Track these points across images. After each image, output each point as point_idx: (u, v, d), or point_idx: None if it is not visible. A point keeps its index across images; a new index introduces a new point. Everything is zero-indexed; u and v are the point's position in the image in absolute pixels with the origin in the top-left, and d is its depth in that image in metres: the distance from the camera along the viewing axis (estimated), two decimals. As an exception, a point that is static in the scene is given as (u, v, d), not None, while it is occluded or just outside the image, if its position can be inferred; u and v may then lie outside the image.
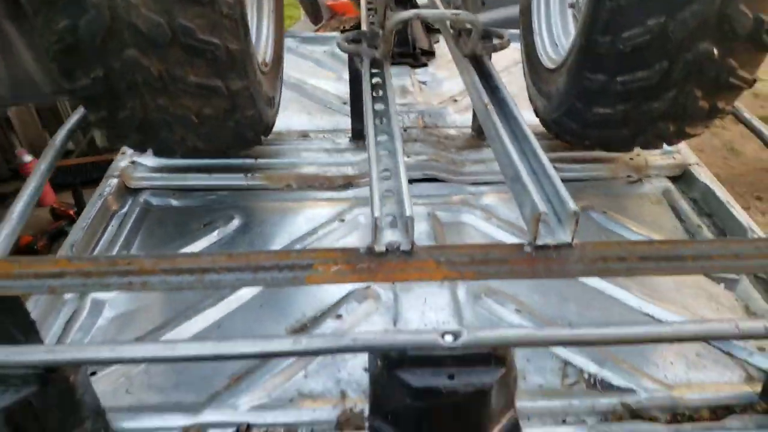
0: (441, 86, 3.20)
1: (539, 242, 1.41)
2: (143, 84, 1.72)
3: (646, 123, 1.99)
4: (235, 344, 1.23)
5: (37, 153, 5.56)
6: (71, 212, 5.51)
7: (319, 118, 2.90)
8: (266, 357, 1.59)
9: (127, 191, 2.37)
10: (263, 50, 2.38)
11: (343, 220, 2.20)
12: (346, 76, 3.32)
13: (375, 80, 2.16)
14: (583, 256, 1.42)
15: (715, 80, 1.84)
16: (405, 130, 2.69)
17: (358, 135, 2.62)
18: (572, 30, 2.43)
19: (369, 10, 2.86)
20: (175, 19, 1.61)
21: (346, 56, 3.57)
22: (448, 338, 1.23)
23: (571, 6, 2.34)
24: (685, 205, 2.36)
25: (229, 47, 1.73)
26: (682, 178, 2.50)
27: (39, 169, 1.77)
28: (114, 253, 2.06)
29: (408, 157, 2.48)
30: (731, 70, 1.82)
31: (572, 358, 1.70)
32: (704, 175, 2.42)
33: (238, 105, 1.90)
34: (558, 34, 2.49)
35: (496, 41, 2.27)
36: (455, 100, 3.04)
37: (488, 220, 2.22)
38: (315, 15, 5.97)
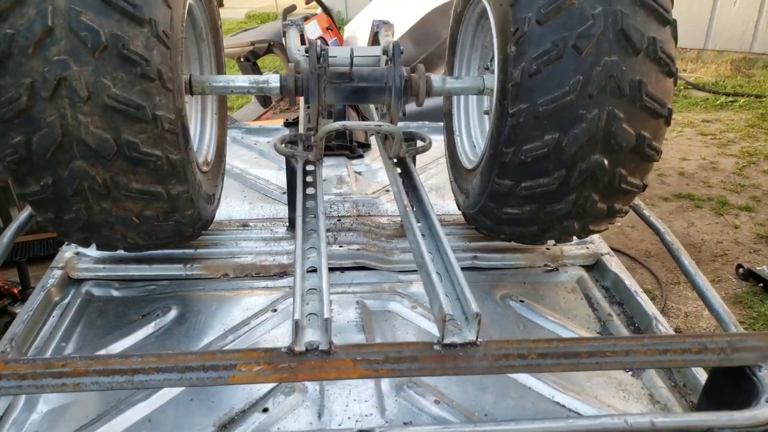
0: (376, 176, 3.42)
1: (447, 341, 1.57)
2: (89, 190, 1.86)
3: (552, 222, 2.20)
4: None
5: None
6: (15, 291, 5.44)
7: (260, 207, 3.06)
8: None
9: (70, 282, 2.45)
10: (205, 151, 2.55)
11: (275, 310, 2.33)
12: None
13: (308, 178, 2.34)
14: (487, 353, 1.59)
15: (609, 186, 2.07)
16: (339, 220, 2.87)
17: (293, 224, 2.78)
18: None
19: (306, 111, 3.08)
20: (121, 135, 1.77)
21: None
22: (363, 436, 1.37)
23: (486, 113, 2.61)
24: (597, 294, 2.57)
25: (169, 157, 1.88)
26: (596, 267, 2.73)
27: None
28: (53, 345, 2.13)
29: (340, 246, 2.65)
30: (622, 177, 2.06)
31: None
32: (615, 265, 2.65)
33: (178, 207, 2.04)
34: (476, 136, 2.75)
35: (419, 144, 2.50)
36: (388, 191, 3.25)
37: (414, 309, 2.37)
38: (264, 97, 6.24)
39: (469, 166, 2.56)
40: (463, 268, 2.58)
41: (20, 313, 2.20)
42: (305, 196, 2.20)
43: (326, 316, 1.54)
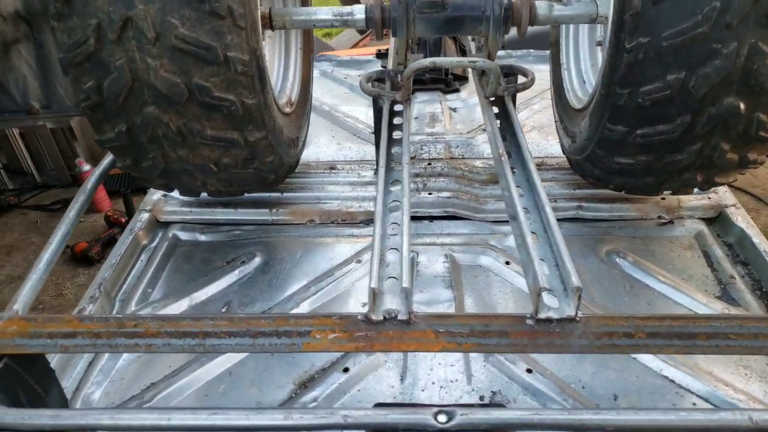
0: (472, 113, 3.18)
1: (541, 315, 1.39)
2: (163, 137, 1.78)
3: (670, 173, 1.92)
4: (228, 416, 1.26)
5: (96, 161, 5.82)
6: (123, 220, 5.73)
7: (348, 149, 2.93)
8: (257, 431, 1.61)
9: (157, 225, 2.45)
10: (289, 91, 2.42)
11: (360, 261, 2.22)
12: (379, 102, 3.39)
13: (395, 120, 2.16)
14: (587, 331, 1.39)
15: (744, 134, 1.76)
16: (429, 164, 2.68)
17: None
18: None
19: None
20: (192, 79, 1.66)
21: (382, 78, 3.65)
22: (442, 418, 1.24)
23: (599, 44, 2.28)
24: (718, 251, 2.26)
25: (245, 102, 1.76)
26: (718, 220, 2.40)
27: (85, 187, 1.90)
28: (139, 291, 2.14)
29: (429, 194, 2.47)
30: (761, 123, 1.74)
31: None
32: (741, 219, 2.32)
33: (257, 153, 1.93)
34: (586, 70, 2.43)
35: (520, 80, 2.23)
36: (485, 129, 3.00)
37: (508, 265, 2.19)
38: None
39: (578, 106, 2.28)
40: (565, 219, 2.38)
41: (109, 256, 2.22)
42: (390, 141, 2.02)
43: (405, 284, 1.39)
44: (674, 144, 1.79)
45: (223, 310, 2.06)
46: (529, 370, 1.77)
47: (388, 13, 2.10)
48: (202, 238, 2.41)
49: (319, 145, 2.92)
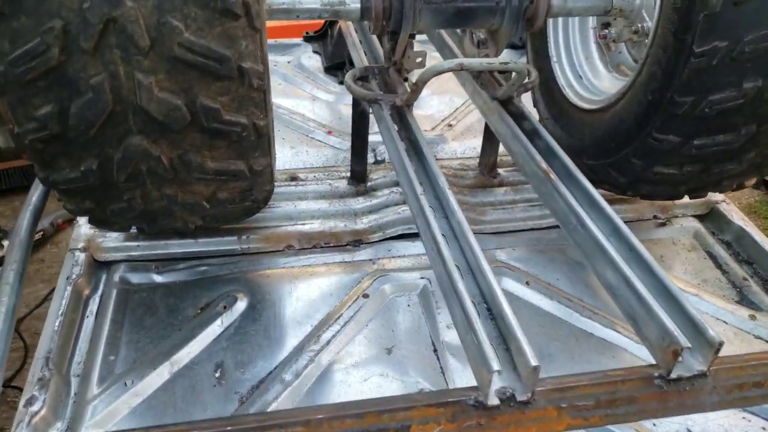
0: (429, 107, 2.91)
1: (673, 375, 1.20)
2: (148, 174, 1.34)
3: (716, 182, 1.81)
4: None
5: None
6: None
7: (305, 153, 2.55)
8: None
9: (98, 266, 1.95)
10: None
11: (367, 296, 1.90)
12: (321, 94, 3.02)
13: (401, 130, 1.84)
14: (717, 385, 1.23)
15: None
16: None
17: (357, 178, 2.30)
18: (600, 65, 2.20)
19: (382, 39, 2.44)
20: (196, 99, 1.24)
21: (315, 66, 3.26)
22: None
23: (603, 37, 2.10)
24: (721, 251, 2.21)
25: (256, 124, 1.37)
26: (710, 217, 2.36)
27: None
28: (98, 361, 1.67)
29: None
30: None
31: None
32: (736, 216, 2.28)
33: (258, 183, 1.55)
34: (580, 64, 2.26)
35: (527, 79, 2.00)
36: (450, 125, 2.77)
37: (528, 285, 1.98)
38: None
39: (585, 106, 2.09)
40: (555, 227, 2.21)
41: (47, 319, 1.71)
42: (406, 153, 1.69)
43: (532, 362, 1.12)
44: (730, 154, 1.66)
45: (217, 375, 1.66)
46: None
47: (389, 3, 1.77)
48: (160, 279, 1.95)
49: (271, 151, 2.51)
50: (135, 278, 1.94)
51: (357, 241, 2.13)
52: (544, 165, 1.65)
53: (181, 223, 1.58)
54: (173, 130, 1.26)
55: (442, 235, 1.41)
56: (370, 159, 2.43)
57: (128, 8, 1.12)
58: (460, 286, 1.28)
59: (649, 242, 2.24)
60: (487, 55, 1.96)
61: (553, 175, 1.62)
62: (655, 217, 2.33)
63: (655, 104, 1.67)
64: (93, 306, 1.83)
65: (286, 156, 2.51)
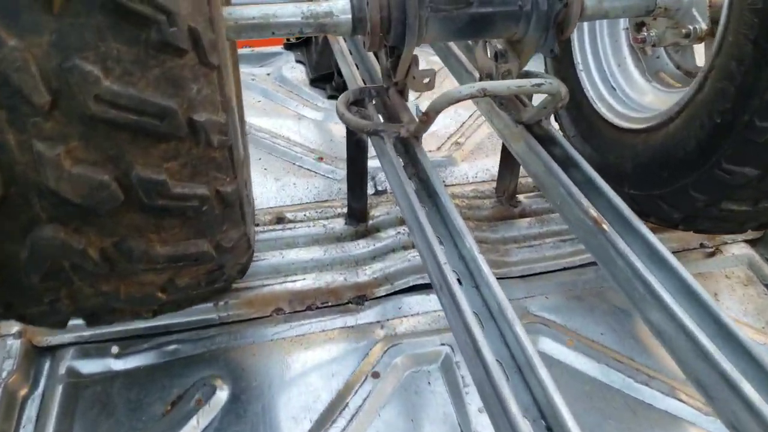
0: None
1: None
2: (72, 271, 0.97)
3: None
4: None
5: None
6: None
7: (292, 186, 2.18)
8: None
9: (37, 354, 1.57)
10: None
11: (377, 375, 1.54)
12: (308, 112, 2.64)
13: (408, 169, 1.47)
14: None
15: None
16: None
17: (356, 216, 1.94)
18: (636, 74, 1.85)
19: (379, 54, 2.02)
20: (130, 171, 0.87)
21: (299, 78, 2.87)
22: None
23: (640, 41, 1.74)
24: (785, 285, 1.88)
25: (220, 191, 1.00)
26: (763, 242, 2.02)
27: None
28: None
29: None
30: None
31: None
32: (797, 240, 1.95)
33: (228, 260, 1.18)
34: (612, 73, 1.90)
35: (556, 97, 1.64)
36: (458, 143, 2.40)
37: (570, 347, 1.63)
38: None
39: (620, 123, 1.74)
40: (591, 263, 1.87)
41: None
42: (416, 194, 1.33)
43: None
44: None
45: (194, 499, 1.30)
46: None
47: (388, 11, 1.40)
48: (119, 365, 1.57)
49: (252, 184, 2.14)
50: (87, 367, 1.56)
51: (360, 297, 1.77)
52: (593, 212, 1.29)
53: (133, 315, 1.21)
54: (100, 214, 0.89)
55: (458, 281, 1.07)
56: (370, 189, 2.06)
57: (9, 49, 0.74)
58: (487, 356, 0.94)
59: (699, 277, 1.90)
60: (508, 71, 1.60)
61: (606, 226, 1.27)
62: (701, 245, 1.99)
63: (725, 128, 1.32)
64: (32, 410, 1.45)
65: (269, 191, 2.14)
